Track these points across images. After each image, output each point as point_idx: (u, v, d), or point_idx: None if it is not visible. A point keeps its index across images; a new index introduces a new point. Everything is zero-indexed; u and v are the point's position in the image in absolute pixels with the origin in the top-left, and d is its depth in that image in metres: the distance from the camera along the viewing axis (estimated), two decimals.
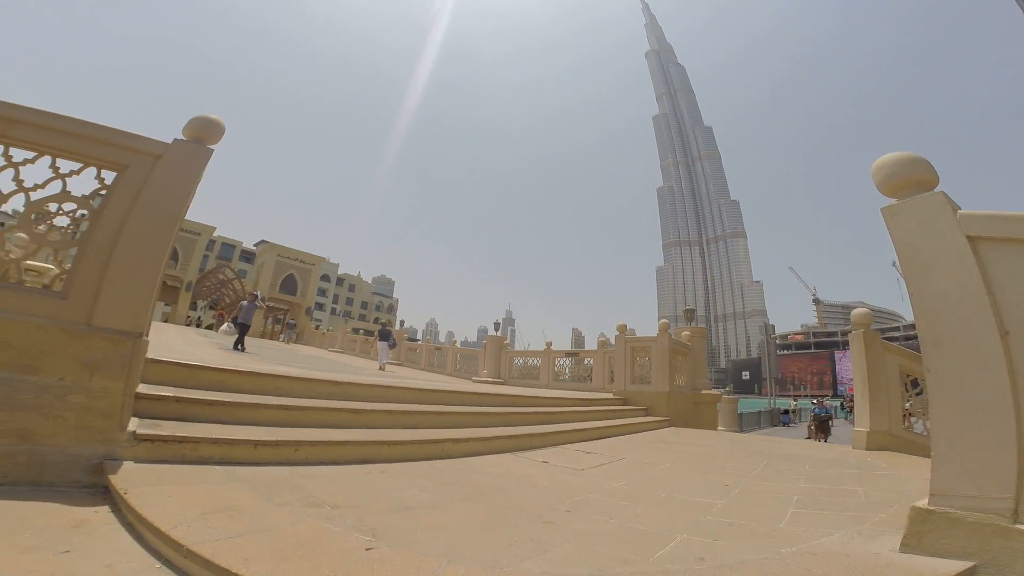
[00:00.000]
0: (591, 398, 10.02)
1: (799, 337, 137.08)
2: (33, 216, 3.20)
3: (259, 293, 14.11)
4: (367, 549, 2.20)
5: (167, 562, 2.09)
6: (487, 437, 4.99)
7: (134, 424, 2.95)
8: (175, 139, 3.33)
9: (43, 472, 2.62)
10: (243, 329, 15.00)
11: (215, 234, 68.73)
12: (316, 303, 50.60)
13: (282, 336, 38.25)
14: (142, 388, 3.27)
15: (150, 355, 3.47)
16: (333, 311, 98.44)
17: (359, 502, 2.95)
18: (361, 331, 39.54)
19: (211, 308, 54.55)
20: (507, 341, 18.35)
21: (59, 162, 3.31)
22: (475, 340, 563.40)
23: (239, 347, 14.08)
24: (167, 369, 3.60)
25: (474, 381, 17.86)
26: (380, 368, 16.54)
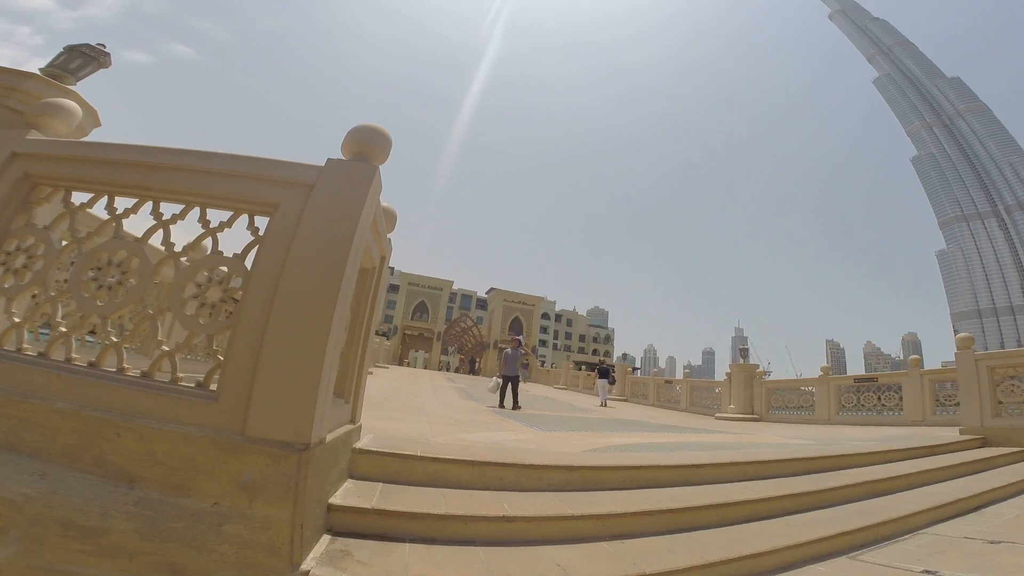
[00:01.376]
0: (922, 445, 7.04)
1: None
2: (185, 291, 2.53)
3: (522, 338, 12.50)
4: None
5: None
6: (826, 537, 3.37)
7: (317, 553, 2.27)
8: (328, 159, 2.59)
9: None
10: (510, 383, 11.45)
11: (455, 288, 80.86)
12: (539, 340, 53.90)
13: (520, 376, 41.74)
14: (349, 484, 2.84)
15: (362, 443, 3.19)
16: (554, 346, 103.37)
17: None
18: (583, 366, 40.27)
19: (459, 352, 63.37)
20: (761, 368, 15.41)
21: (208, 214, 2.66)
22: (700, 364, 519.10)
23: (513, 404, 10.83)
24: (378, 461, 3.05)
25: (718, 418, 15.43)
26: (601, 405, 16.47)
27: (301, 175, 2.50)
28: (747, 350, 19.42)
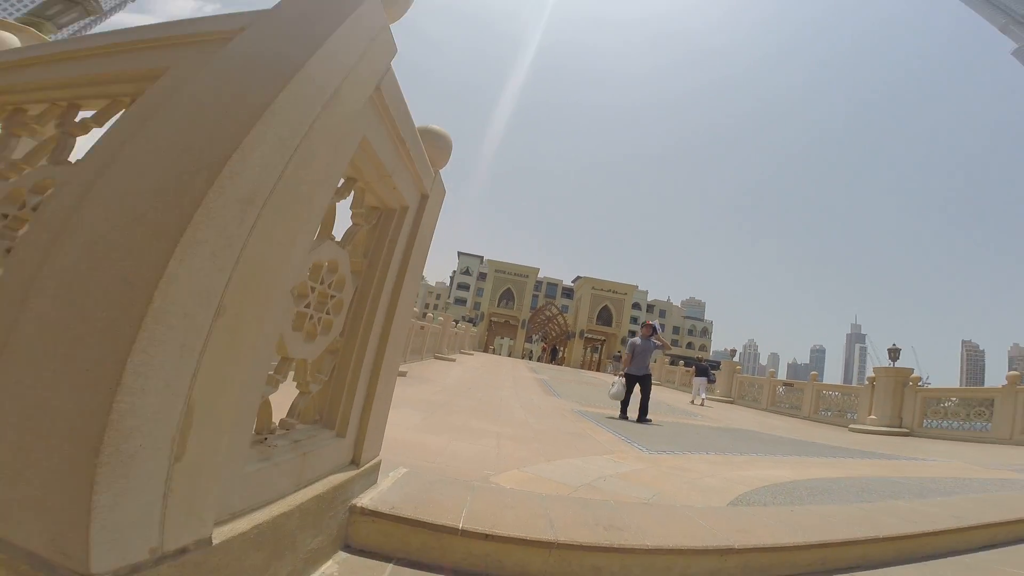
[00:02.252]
0: None
1: None
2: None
3: (657, 324, 9.59)
4: None
5: None
6: None
7: None
8: None
9: None
10: (637, 384, 8.59)
11: (540, 275, 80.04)
12: (629, 331, 51.33)
13: (609, 367, 40.23)
14: (335, 565, 1.70)
15: (378, 491, 2.07)
16: None
17: None
18: (681, 361, 37.34)
19: (542, 340, 62.72)
20: (916, 373, 12.40)
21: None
22: (807, 362, 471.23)
23: (640, 415, 8.14)
24: (391, 529, 1.87)
25: (852, 430, 12.74)
26: (698, 404, 15.77)
27: (209, 27, 1.35)
28: (898, 351, 16.03)
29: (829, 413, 15.37)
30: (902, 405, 12.75)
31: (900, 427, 12.56)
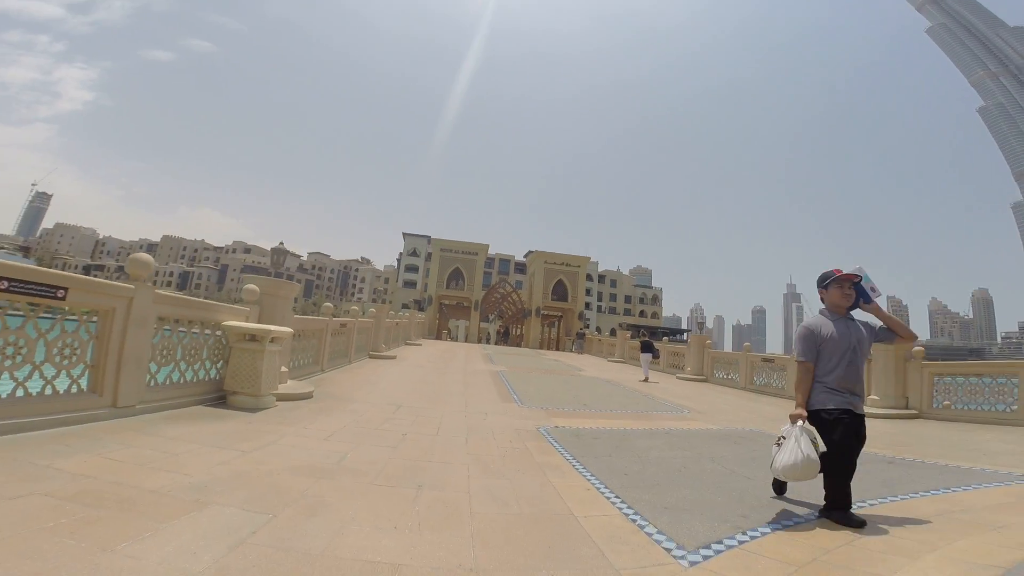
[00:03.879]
0: None
1: None
2: None
3: (866, 276, 3.75)
4: None
5: None
6: None
7: None
8: None
9: None
10: (840, 451, 3.44)
11: (494, 252, 77.09)
12: (586, 304, 49.91)
13: (573, 347, 38.59)
14: None
15: None
16: (599, 308, 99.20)
17: None
18: (643, 331, 36.31)
19: (499, 319, 60.44)
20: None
21: None
22: (750, 323, 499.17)
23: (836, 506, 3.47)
24: None
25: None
26: (643, 380, 15.83)
27: None
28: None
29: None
30: (906, 382, 11.28)
31: (907, 408, 11.13)
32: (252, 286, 7.28)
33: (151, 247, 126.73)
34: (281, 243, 8.20)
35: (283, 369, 7.69)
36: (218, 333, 6.47)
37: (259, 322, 7.24)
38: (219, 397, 6.31)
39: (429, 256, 57.59)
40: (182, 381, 5.87)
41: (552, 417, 7.72)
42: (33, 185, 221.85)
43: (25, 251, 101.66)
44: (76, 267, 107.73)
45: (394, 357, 16.34)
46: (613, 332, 58.44)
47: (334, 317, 12.30)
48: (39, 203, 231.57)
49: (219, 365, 6.47)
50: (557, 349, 43.41)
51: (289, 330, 6.81)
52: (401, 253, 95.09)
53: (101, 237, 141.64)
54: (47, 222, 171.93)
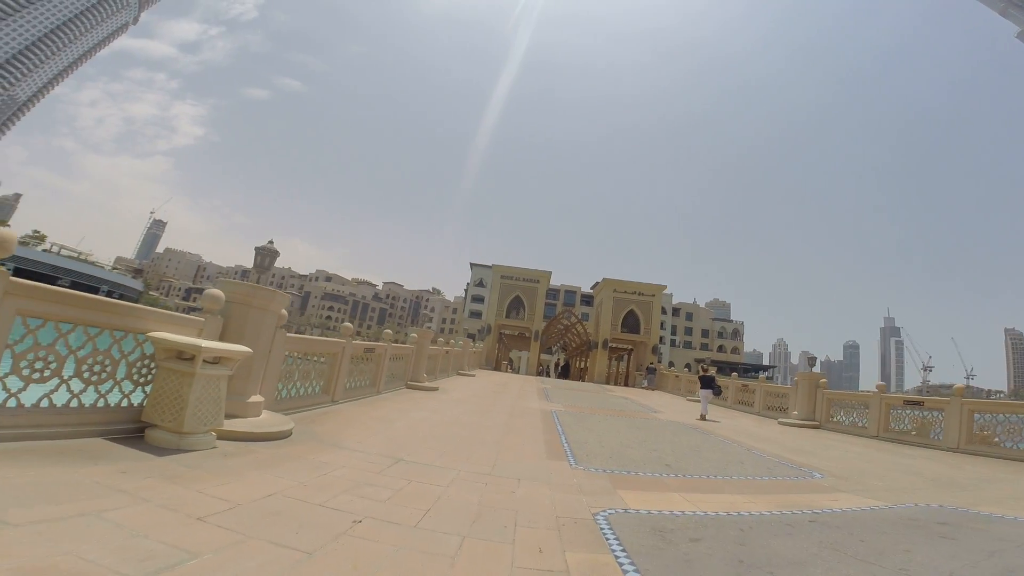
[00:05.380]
0: None
1: None
2: None
3: None
4: None
5: None
6: None
7: None
8: None
9: None
10: None
11: (559, 283, 74.51)
12: (660, 339, 45.78)
13: (644, 382, 35.23)
14: None
15: None
16: (672, 343, 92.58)
17: None
18: (703, 364, 32.01)
19: (563, 351, 57.38)
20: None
21: None
22: (840, 359, 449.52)
23: None
24: None
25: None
26: (700, 418, 14.24)
27: None
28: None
29: (898, 432, 10.01)
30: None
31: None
32: (215, 291, 5.58)
33: (244, 273, 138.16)
34: (270, 241, 6.59)
35: (254, 399, 5.86)
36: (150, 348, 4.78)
37: (222, 338, 5.52)
38: (138, 429, 4.56)
39: (483, 283, 56.39)
40: (77, 406, 4.18)
41: (619, 487, 5.21)
42: (151, 213, 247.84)
43: (137, 272, 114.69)
44: (179, 289, 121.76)
45: (435, 389, 14.36)
46: (689, 367, 53.11)
47: (378, 341, 11.37)
48: (155, 230, 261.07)
49: (148, 389, 4.75)
50: (625, 384, 39.63)
51: (241, 348, 4.96)
52: (468, 283, 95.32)
53: (203, 262, 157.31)
54: (161, 247, 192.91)
